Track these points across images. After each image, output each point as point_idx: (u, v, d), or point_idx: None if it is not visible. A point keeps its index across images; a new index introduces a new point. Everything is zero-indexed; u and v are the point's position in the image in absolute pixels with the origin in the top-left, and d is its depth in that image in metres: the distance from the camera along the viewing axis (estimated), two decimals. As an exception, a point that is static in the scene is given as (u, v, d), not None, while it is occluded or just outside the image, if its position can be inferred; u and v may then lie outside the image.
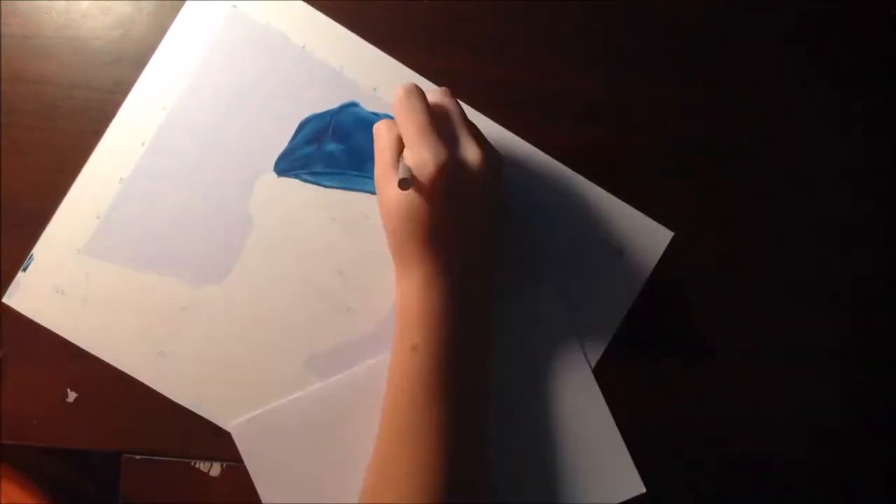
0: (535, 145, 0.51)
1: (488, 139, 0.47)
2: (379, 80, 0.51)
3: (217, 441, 0.50)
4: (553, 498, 0.49)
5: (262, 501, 0.48)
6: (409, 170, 0.41)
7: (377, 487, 0.44)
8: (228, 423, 0.50)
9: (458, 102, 0.46)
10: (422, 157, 0.42)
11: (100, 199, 0.50)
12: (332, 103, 0.51)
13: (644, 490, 0.50)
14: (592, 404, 0.50)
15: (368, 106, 0.51)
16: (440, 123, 0.44)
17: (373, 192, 0.51)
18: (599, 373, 0.51)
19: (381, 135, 0.45)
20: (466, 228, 0.45)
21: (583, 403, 0.50)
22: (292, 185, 0.51)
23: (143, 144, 0.51)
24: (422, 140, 0.42)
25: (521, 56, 0.52)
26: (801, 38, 0.53)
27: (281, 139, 0.51)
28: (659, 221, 0.52)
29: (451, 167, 0.42)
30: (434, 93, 0.45)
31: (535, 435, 0.50)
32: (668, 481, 0.52)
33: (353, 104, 0.51)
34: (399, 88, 0.43)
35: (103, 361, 0.50)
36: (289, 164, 0.51)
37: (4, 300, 0.50)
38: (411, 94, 0.43)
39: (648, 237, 0.52)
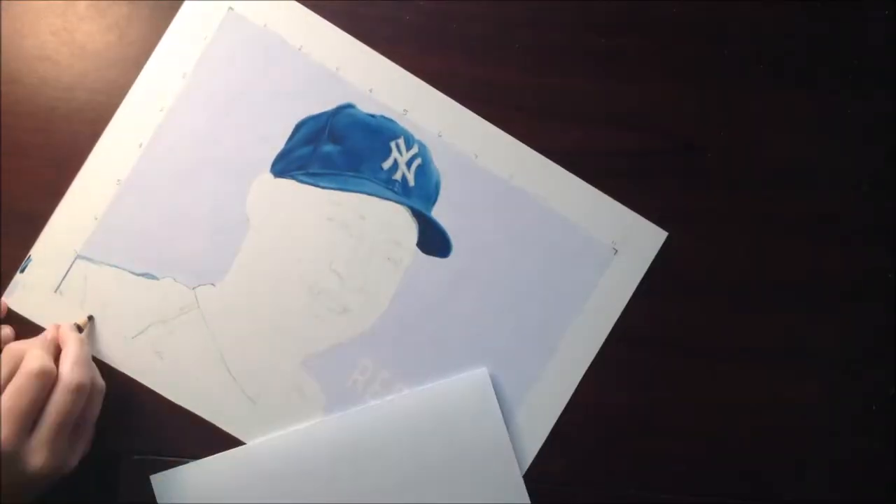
0: (530, 146, 0.52)
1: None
2: (375, 81, 0.52)
3: (215, 441, 0.50)
4: None
5: None
6: None
7: None
8: (224, 423, 0.50)
9: None
10: None
11: (97, 201, 0.51)
12: (329, 105, 0.52)
13: None
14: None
15: (365, 107, 0.52)
16: None
17: (369, 193, 0.51)
18: (593, 372, 0.51)
19: None
20: None
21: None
22: (289, 185, 0.51)
23: (140, 146, 0.51)
24: None
25: (515, 56, 0.52)
26: (798, 38, 0.53)
27: (278, 140, 0.51)
28: (653, 222, 0.52)
29: None
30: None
31: None
32: (664, 479, 0.52)
33: (350, 105, 0.52)
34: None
35: (101, 362, 0.50)
36: (285, 166, 0.51)
37: (3, 300, 0.50)
38: None
39: (643, 237, 0.52)
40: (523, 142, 0.52)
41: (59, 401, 0.43)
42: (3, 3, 0.51)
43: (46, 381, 0.43)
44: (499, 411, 0.50)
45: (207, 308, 0.51)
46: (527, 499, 0.50)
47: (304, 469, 0.50)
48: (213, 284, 0.51)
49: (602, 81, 0.52)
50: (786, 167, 0.53)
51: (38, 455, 0.42)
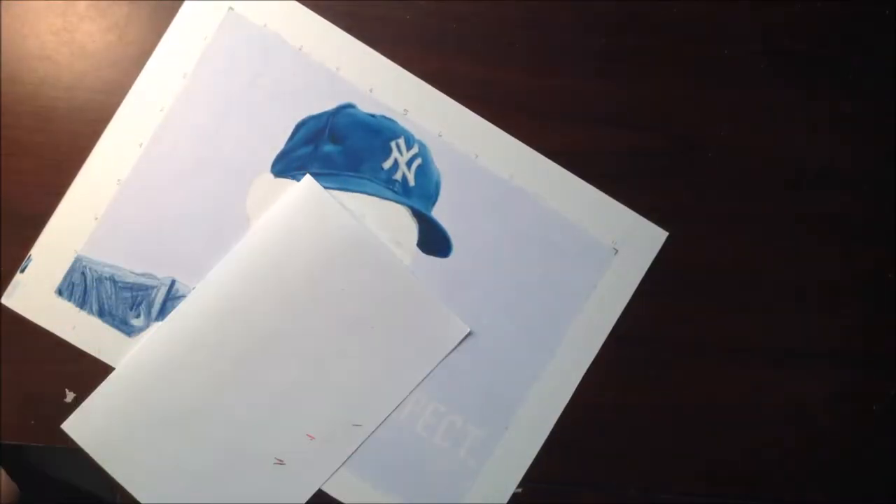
0: (530, 146, 0.52)
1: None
2: (375, 81, 0.52)
3: (215, 440, 0.50)
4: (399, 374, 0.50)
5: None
6: None
7: None
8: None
9: None
10: None
11: (98, 201, 0.51)
12: (329, 105, 0.52)
13: (468, 330, 0.50)
14: (396, 274, 0.50)
15: (365, 107, 0.52)
16: None
17: (369, 193, 0.51)
18: (593, 372, 0.51)
19: None
20: None
21: (388, 279, 0.50)
22: (289, 186, 0.51)
23: (140, 146, 0.51)
24: None
25: (515, 56, 0.52)
26: (798, 38, 0.53)
27: (278, 140, 0.51)
28: (654, 222, 0.52)
29: None
30: None
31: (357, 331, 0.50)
32: (664, 479, 0.52)
33: (350, 105, 0.52)
34: None
35: (101, 361, 0.50)
36: (285, 165, 0.51)
37: (3, 301, 0.50)
38: None
39: (643, 237, 0.52)
40: (523, 142, 0.52)
41: None
42: (3, 3, 0.51)
43: None
44: (337, 205, 0.50)
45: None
46: (410, 275, 0.50)
47: (204, 341, 0.50)
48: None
49: (602, 81, 0.52)
50: (785, 167, 0.53)
51: None
